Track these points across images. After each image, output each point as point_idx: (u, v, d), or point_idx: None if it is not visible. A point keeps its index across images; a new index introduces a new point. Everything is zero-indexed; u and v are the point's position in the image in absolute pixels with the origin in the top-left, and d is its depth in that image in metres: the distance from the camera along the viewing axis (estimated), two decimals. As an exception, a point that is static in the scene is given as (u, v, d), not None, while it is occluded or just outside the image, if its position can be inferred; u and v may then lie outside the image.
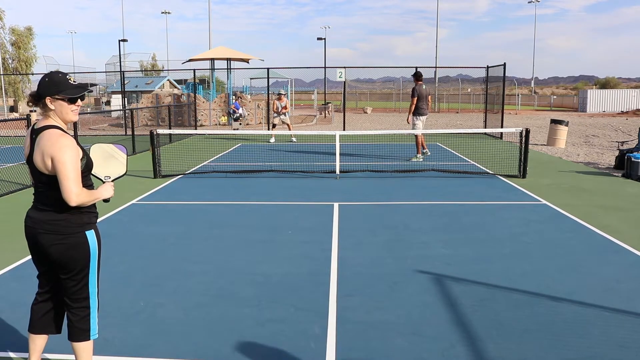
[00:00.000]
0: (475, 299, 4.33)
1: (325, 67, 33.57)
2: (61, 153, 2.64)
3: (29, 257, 5.44)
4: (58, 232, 2.78)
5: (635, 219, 6.96)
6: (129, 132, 16.82)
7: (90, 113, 29.41)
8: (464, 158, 12.93)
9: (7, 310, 4.19)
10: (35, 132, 2.75)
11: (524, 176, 9.95)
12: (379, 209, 7.56)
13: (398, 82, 55.89)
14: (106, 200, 2.89)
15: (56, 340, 3.66)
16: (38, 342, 3.05)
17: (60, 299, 2.96)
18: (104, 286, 4.67)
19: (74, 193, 2.65)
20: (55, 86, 2.74)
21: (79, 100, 2.82)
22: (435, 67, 38.64)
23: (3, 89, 42.79)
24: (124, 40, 34.33)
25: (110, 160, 3.09)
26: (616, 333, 3.72)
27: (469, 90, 51.57)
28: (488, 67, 19.77)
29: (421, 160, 12.27)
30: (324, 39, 51.96)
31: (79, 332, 2.92)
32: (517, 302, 4.26)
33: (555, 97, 56.90)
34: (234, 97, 20.22)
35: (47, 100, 2.74)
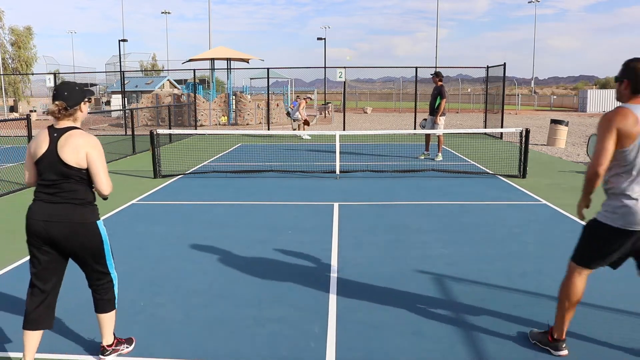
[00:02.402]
0: (475, 299, 4.33)
1: (325, 67, 33.57)
2: (96, 150, 3.08)
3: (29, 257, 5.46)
4: (75, 223, 3.09)
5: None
6: (129, 132, 16.82)
7: (90, 113, 29.30)
8: (464, 158, 12.93)
9: (8, 310, 4.19)
10: (58, 132, 3.06)
11: (524, 176, 9.95)
12: (379, 209, 7.56)
13: (398, 82, 55.93)
14: (105, 198, 3.22)
15: (57, 340, 3.67)
16: (34, 338, 3.18)
17: (57, 292, 3.24)
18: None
19: (108, 183, 3.13)
20: (83, 92, 3.16)
21: None
22: (435, 67, 38.56)
23: (3, 89, 42.79)
24: (124, 40, 34.34)
25: None
26: (616, 333, 3.73)
27: (469, 90, 51.59)
28: (488, 67, 19.77)
29: (441, 159, 12.32)
30: (324, 39, 51.98)
31: (107, 304, 3.32)
32: (517, 302, 4.26)
33: (555, 97, 56.92)
34: (296, 97, 20.16)
35: (82, 104, 3.16)
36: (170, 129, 17.12)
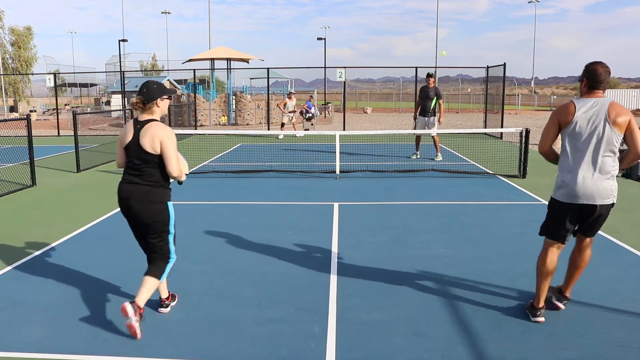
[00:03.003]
0: (475, 299, 4.33)
1: (325, 67, 33.57)
2: (169, 139, 3.66)
3: (29, 257, 5.47)
4: (148, 200, 3.73)
5: (635, 219, 6.96)
6: (129, 132, 16.78)
7: (90, 113, 29.38)
8: (464, 158, 12.94)
9: (8, 309, 4.19)
10: (140, 124, 3.69)
11: (524, 176, 9.95)
12: (379, 209, 7.56)
13: (398, 82, 55.95)
14: (180, 183, 3.88)
15: (57, 340, 3.67)
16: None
17: (149, 251, 3.90)
18: (104, 287, 4.68)
19: (178, 167, 3.69)
20: (163, 90, 3.74)
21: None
22: (435, 67, 38.55)
23: (3, 89, 42.80)
24: (124, 40, 34.36)
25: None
26: (616, 333, 3.73)
27: (469, 90, 51.61)
28: (488, 67, 19.77)
29: (441, 158, 12.37)
30: (324, 39, 51.94)
31: (160, 270, 3.86)
32: (517, 302, 4.26)
33: (555, 97, 56.95)
34: (310, 97, 20.12)
35: (158, 100, 3.71)
36: (170, 129, 17.08)
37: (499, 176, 10.15)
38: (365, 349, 3.52)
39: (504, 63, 17.96)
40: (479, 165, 11.61)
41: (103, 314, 4.10)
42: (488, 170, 10.82)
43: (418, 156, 12.75)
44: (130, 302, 3.62)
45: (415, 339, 3.66)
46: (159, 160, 3.68)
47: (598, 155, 3.65)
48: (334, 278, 4.82)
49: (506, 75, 18.23)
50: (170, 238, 3.91)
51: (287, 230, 6.42)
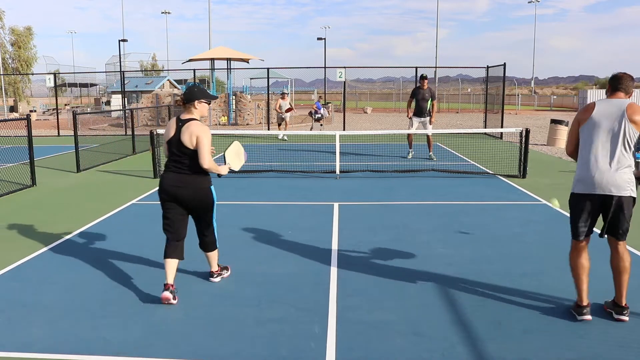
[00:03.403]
0: (475, 299, 4.33)
1: (325, 67, 33.56)
2: (204, 135, 4.19)
3: (29, 257, 5.47)
4: (194, 186, 4.29)
5: (636, 219, 6.94)
6: (129, 132, 16.80)
7: (90, 113, 29.37)
8: (464, 158, 12.93)
9: (7, 309, 4.19)
10: (182, 122, 4.28)
11: (524, 176, 9.95)
12: (379, 209, 7.56)
13: (398, 82, 55.94)
14: (219, 175, 4.39)
15: (57, 340, 3.67)
16: (172, 264, 4.36)
17: (183, 236, 4.43)
18: (104, 287, 4.68)
19: (208, 159, 4.21)
20: (203, 94, 4.31)
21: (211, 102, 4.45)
22: (435, 67, 38.53)
23: (3, 89, 42.79)
24: (124, 40, 34.30)
25: (236, 156, 4.65)
26: (616, 333, 3.73)
27: (469, 90, 51.61)
28: (488, 67, 19.77)
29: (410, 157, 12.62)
30: (324, 39, 51.93)
31: (210, 245, 4.61)
32: (517, 302, 4.26)
33: (555, 97, 56.92)
34: (319, 97, 20.03)
35: (196, 102, 4.27)
36: (170, 129, 17.07)
37: (499, 176, 10.15)
38: (365, 349, 3.52)
39: (504, 63, 17.96)
40: (479, 165, 11.61)
41: (103, 314, 4.10)
42: (488, 170, 10.82)
43: (413, 154, 12.84)
44: (210, 275, 4.75)
45: (415, 339, 3.66)
46: (195, 153, 4.20)
47: (615, 148, 3.77)
48: (334, 278, 4.82)
49: (506, 75, 18.23)
50: (214, 215, 4.51)
51: (287, 230, 6.42)
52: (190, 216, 4.47)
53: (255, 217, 7.13)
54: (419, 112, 12.30)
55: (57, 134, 21.04)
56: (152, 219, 7.08)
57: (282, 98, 17.91)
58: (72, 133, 12.52)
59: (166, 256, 4.36)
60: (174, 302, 4.24)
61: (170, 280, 4.29)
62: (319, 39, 52.12)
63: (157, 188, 4.43)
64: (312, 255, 5.48)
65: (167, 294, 4.19)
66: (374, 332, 3.76)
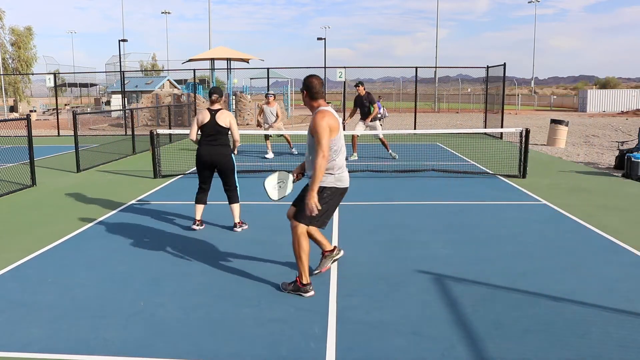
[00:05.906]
0: (475, 299, 4.33)
1: (325, 67, 33.48)
2: (234, 119, 6.43)
3: (29, 257, 5.47)
4: (224, 154, 6.28)
5: (635, 219, 6.96)
6: (129, 132, 16.80)
7: (90, 113, 29.36)
8: (464, 158, 12.93)
9: (7, 309, 4.19)
10: (214, 111, 6.30)
11: (524, 176, 9.95)
12: (379, 209, 7.56)
13: (398, 82, 55.94)
14: (237, 153, 6.63)
15: (57, 340, 3.67)
16: (200, 207, 6.48)
17: (209, 188, 6.50)
18: (104, 287, 4.68)
19: (238, 133, 6.50)
20: (223, 92, 6.08)
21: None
22: (435, 67, 38.58)
23: (3, 89, 42.79)
24: (124, 40, 34.25)
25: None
26: (616, 333, 3.72)
27: (469, 90, 51.60)
28: (488, 67, 19.77)
29: (355, 159, 12.63)
30: (324, 39, 51.90)
31: (235, 198, 6.43)
32: (517, 302, 4.26)
33: (555, 97, 56.89)
34: (379, 97, 19.70)
35: (222, 98, 6.38)
36: (170, 129, 17.12)
37: (498, 176, 10.15)
38: (365, 349, 3.52)
39: (504, 63, 17.97)
40: (479, 165, 11.61)
41: (103, 314, 4.10)
42: (488, 170, 10.82)
43: (356, 157, 12.82)
44: (234, 226, 6.45)
45: (415, 339, 3.66)
46: (228, 132, 6.32)
47: None
48: (334, 278, 4.82)
49: (506, 75, 18.23)
50: (235, 175, 6.40)
51: (287, 230, 6.40)
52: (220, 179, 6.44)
53: (255, 217, 7.12)
54: (364, 118, 12.56)
55: (57, 134, 21.04)
56: (152, 219, 7.09)
57: (267, 103, 13.12)
58: (72, 133, 12.52)
59: (197, 202, 6.41)
60: (201, 227, 6.45)
61: (198, 217, 6.43)
62: (319, 39, 51.99)
63: (195, 157, 6.30)
64: (313, 255, 5.46)
65: (194, 226, 6.42)
66: (374, 332, 3.76)
